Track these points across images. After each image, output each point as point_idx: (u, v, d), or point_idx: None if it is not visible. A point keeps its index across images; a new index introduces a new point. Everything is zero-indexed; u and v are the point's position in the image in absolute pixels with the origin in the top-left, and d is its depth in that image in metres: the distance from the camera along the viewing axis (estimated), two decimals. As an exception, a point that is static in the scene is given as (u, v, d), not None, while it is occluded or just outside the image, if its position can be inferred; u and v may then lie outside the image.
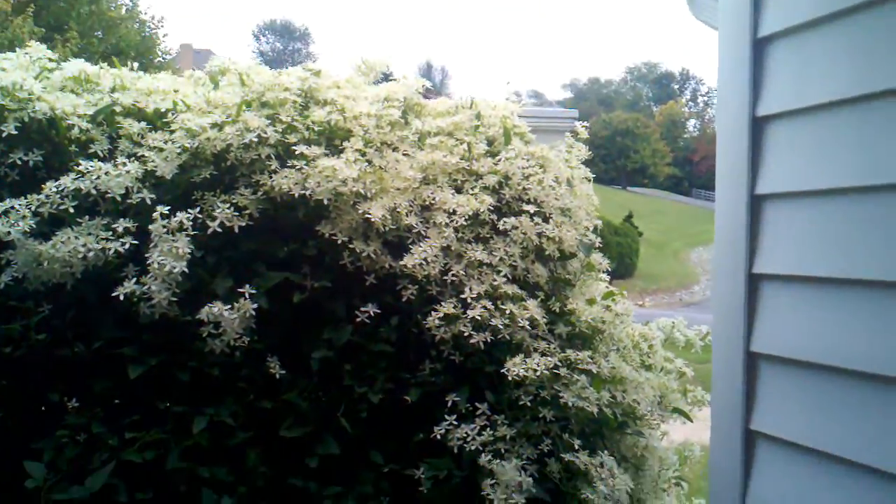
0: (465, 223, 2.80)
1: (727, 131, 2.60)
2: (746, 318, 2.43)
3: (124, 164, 2.59)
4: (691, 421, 3.02)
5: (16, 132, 2.61)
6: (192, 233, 2.53)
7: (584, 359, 2.59)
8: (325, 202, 2.64)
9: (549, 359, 2.53)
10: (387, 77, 3.38)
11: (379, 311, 2.66)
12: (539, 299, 2.77)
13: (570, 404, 2.49)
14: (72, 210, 2.53)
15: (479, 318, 2.61)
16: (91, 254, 2.49)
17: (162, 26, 19.87)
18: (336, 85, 3.06)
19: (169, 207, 2.54)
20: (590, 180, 3.28)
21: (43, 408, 2.52)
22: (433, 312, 2.64)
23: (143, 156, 2.68)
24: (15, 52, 2.94)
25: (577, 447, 2.47)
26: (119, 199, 2.58)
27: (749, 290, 2.45)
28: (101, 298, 2.55)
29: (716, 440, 2.47)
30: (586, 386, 2.53)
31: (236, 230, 2.60)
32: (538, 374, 2.49)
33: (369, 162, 2.76)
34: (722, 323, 2.51)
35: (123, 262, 2.55)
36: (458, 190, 2.92)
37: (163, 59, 19.55)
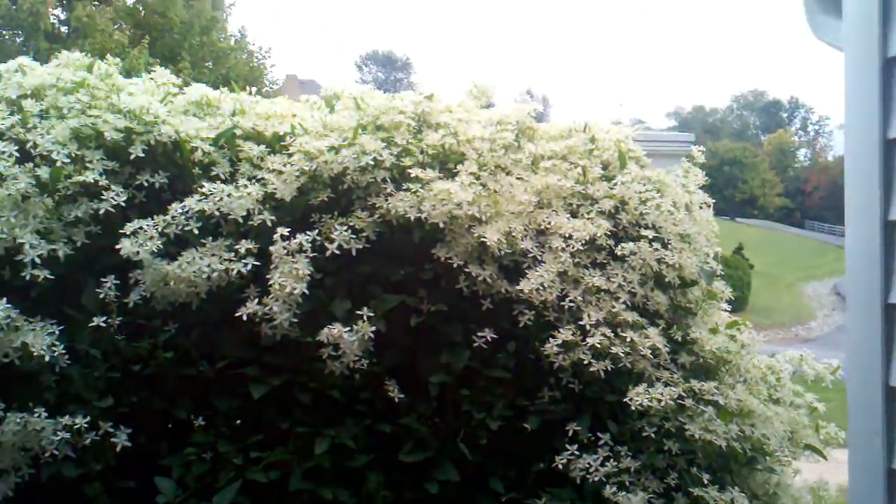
0: (581, 248, 2.75)
1: (856, 155, 2.50)
2: (884, 351, 2.31)
3: (245, 186, 2.63)
4: (825, 459, 2.90)
5: (143, 154, 2.67)
6: (311, 254, 2.55)
7: (710, 390, 2.51)
8: (441, 225, 2.63)
9: (673, 389, 2.47)
10: (488, 107, 3.37)
11: (496, 336, 2.63)
12: (660, 327, 2.70)
13: (696, 437, 2.42)
14: (196, 231, 2.58)
15: (598, 345, 2.56)
16: (215, 274, 2.53)
17: (269, 57, 20.33)
18: (448, 109, 3.06)
19: (289, 229, 2.57)
20: (709, 206, 3.20)
21: (170, 425, 2.55)
22: (551, 339, 2.60)
23: (262, 178, 2.72)
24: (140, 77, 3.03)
25: (706, 482, 2.39)
26: (241, 220, 2.62)
27: (886, 321, 2.33)
28: (224, 318, 2.58)
29: (855, 479, 2.36)
30: (713, 418, 2.45)
31: (353, 253, 2.61)
32: (662, 404, 2.42)
33: (483, 185, 2.75)
34: (857, 356, 2.40)
35: (245, 282, 2.59)
36: (574, 214, 2.88)
37: (270, 88, 19.98)
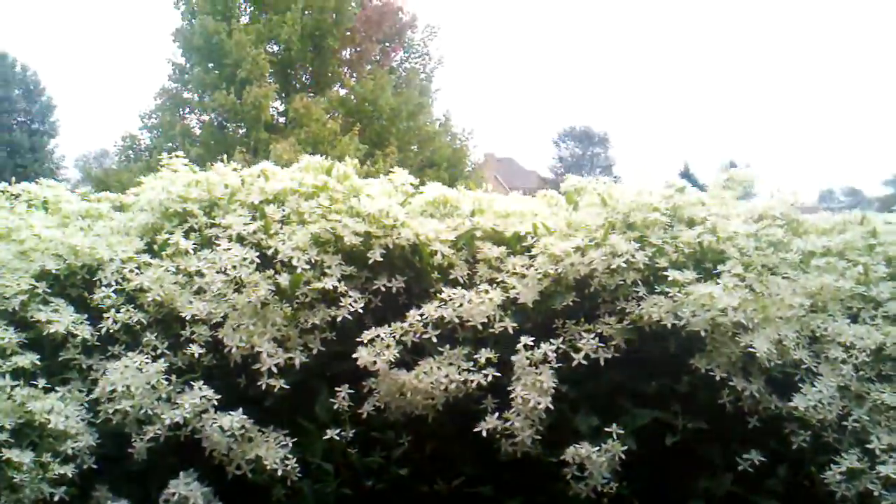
0: (865, 359, 2.40)
1: None
2: None
3: (486, 291, 2.47)
4: None
5: (381, 259, 2.57)
6: (555, 365, 2.35)
7: None
8: (702, 333, 2.36)
9: None
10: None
11: (763, 458, 2.33)
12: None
13: None
14: (434, 339, 2.44)
15: (892, 475, 2.18)
16: (453, 385, 2.38)
17: (471, 138, 20.66)
18: (700, 201, 2.80)
19: (533, 338, 2.38)
20: None
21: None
22: (832, 465, 2.26)
23: (503, 282, 2.56)
24: (378, 178, 2.98)
25: None
26: (479, 327, 2.45)
27: None
28: (459, 432, 2.43)
29: None
30: None
31: (602, 362, 2.39)
32: None
33: (749, 288, 2.45)
34: None
35: (482, 393, 2.41)
36: (854, 319, 2.53)
37: (471, 168, 20.28)
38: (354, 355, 2.41)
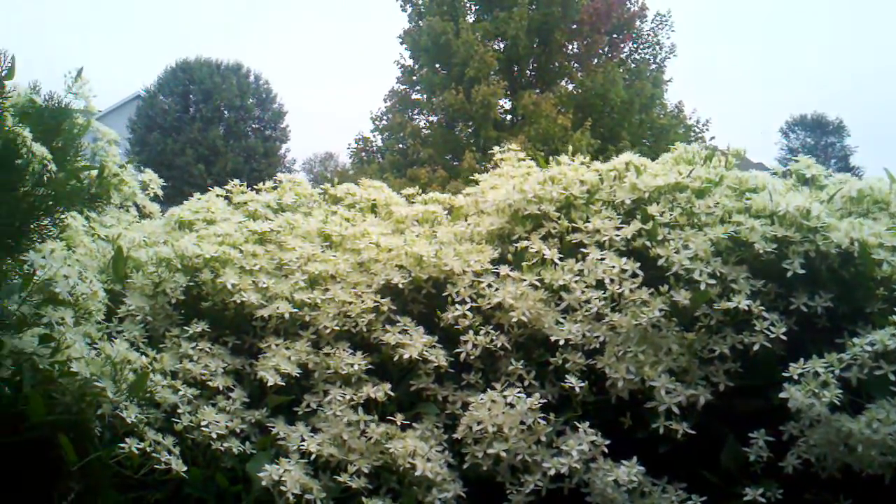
0: None
1: None
2: None
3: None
4: None
5: (801, 270, 2.02)
6: None
7: None
8: None
9: None
10: None
11: None
12: None
13: None
14: (892, 376, 1.87)
15: None
16: (924, 437, 1.80)
17: (707, 129, 19.48)
18: None
19: None
20: None
21: None
22: None
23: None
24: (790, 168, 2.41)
25: None
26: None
27: None
28: None
29: None
30: None
31: None
32: None
33: None
34: None
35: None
36: None
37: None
38: (783, 394, 1.88)
